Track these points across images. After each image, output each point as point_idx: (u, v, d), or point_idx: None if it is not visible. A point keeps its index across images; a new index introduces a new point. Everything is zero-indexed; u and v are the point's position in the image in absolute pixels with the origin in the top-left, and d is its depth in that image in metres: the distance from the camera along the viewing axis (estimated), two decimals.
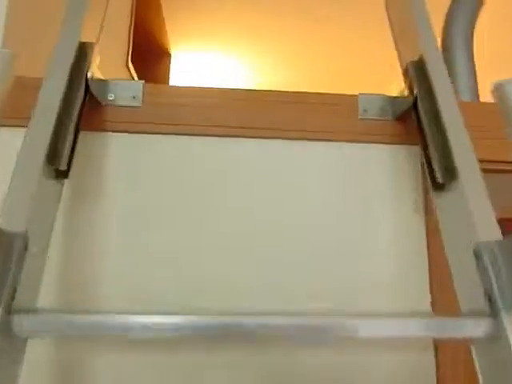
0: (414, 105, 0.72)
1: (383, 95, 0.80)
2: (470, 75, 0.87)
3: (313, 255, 0.74)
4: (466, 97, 0.89)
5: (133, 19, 2.45)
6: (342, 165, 0.78)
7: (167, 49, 4.13)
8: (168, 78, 4.31)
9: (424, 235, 0.77)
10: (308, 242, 0.75)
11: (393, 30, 0.81)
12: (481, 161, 0.64)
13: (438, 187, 0.64)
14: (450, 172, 0.62)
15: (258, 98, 0.78)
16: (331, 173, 0.78)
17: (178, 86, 0.79)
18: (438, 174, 0.64)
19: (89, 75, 0.68)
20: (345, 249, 0.75)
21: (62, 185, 0.61)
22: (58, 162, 0.58)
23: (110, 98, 0.74)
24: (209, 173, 0.76)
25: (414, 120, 0.75)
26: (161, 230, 0.73)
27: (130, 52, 2.37)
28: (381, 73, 5.18)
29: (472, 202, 0.58)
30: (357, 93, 0.80)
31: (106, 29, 0.86)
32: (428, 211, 0.78)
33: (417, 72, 0.74)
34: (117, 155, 0.75)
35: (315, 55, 4.47)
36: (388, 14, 0.83)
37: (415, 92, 0.72)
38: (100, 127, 0.75)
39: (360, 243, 0.75)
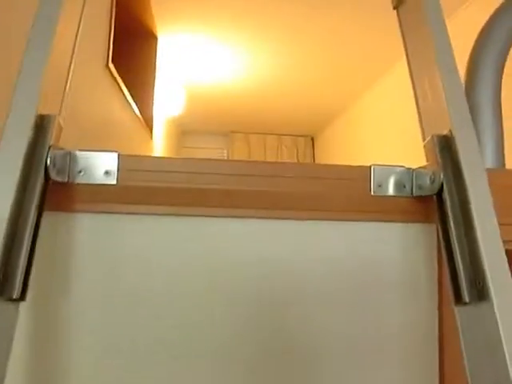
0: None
1: (400, 167, 0.70)
2: (496, 136, 0.76)
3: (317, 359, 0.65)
4: (488, 160, 0.79)
5: (113, 13, 2.28)
6: (352, 249, 0.68)
7: (153, 32, 3.93)
8: (155, 61, 4.12)
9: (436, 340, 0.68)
10: (312, 344, 0.65)
11: (416, 94, 0.69)
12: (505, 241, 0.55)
13: (463, 303, 0.55)
14: (479, 292, 0.53)
15: (256, 171, 0.66)
16: (340, 257, 0.68)
17: (162, 158, 0.67)
18: (464, 292, 0.54)
19: (50, 154, 0.56)
20: (353, 356, 0.65)
21: (18, 307, 0.50)
22: (11, 291, 0.47)
23: (80, 175, 0.62)
24: (201, 259, 0.65)
25: (434, 200, 0.65)
26: (144, 327, 0.63)
27: (111, 53, 2.20)
28: (376, 61, 5.04)
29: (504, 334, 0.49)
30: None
31: (84, 29, 0.74)
32: (443, 304, 0.69)
33: (443, 148, 0.63)
34: (88, 240, 0.64)
35: (309, 42, 4.31)
36: (412, 81, 0.71)
37: (441, 174, 0.62)
38: (68, 208, 0.63)
39: (369, 347, 0.66)
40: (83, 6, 0.75)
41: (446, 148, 0.62)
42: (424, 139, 0.68)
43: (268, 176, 0.66)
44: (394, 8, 0.83)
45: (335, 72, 5.26)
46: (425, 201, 0.69)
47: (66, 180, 0.61)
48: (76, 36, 0.72)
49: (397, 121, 5.07)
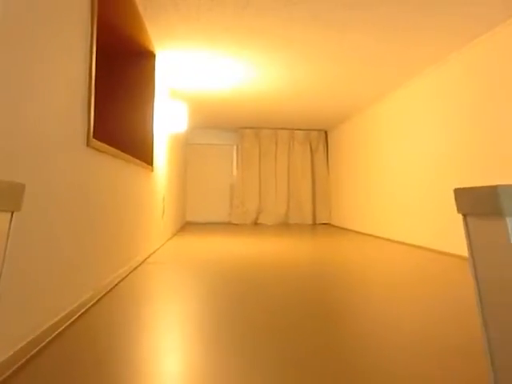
0: None
1: None
2: None
3: None
4: None
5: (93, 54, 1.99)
6: None
7: (150, 49, 3.63)
8: (153, 77, 3.82)
9: None
10: None
11: None
12: None
13: None
14: None
15: None
16: None
17: None
18: None
19: None
20: None
21: None
22: None
23: None
24: None
25: None
26: None
27: (92, 130, 1.93)
28: (379, 75, 4.66)
29: None
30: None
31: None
32: None
33: None
34: None
35: (317, 57, 3.97)
36: None
37: None
38: None
39: None
40: None
41: None
42: None
43: None
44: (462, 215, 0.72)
45: (348, 78, 4.89)
46: None
47: None
48: None
49: (412, 124, 4.75)
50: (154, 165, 4.05)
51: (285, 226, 8.05)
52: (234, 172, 8.58)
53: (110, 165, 2.43)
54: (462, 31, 3.46)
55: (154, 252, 4.08)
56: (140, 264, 3.32)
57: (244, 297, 2.29)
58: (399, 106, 5.26)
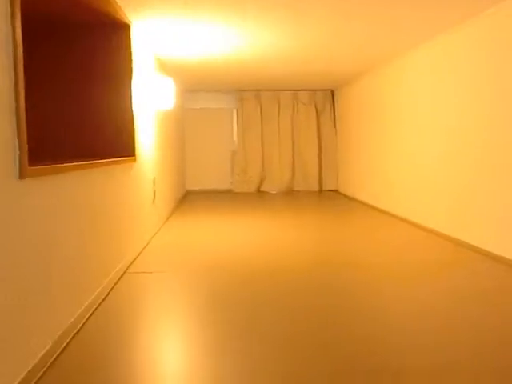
0: None
1: None
2: None
3: None
4: None
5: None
6: None
7: (123, 20, 3.01)
8: (130, 51, 3.25)
9: None
10: None
11: None
12: None
13: None
14: None
15: None
16: None
17: None
18: None
19: None
20: None
21: None
22: None
23: None
24: None
25: None
26: None
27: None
28: (394, 33, 4.01)
29: None
30: None
31: None
32: None
33: None
34: None
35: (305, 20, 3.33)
36: None
37: None
38: None
39: None
40: None
41: None
42: None
43: None
44: None
45: (358, 36, 4.26)
46: None
47: None
48: None
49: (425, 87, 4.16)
50: (138, 152, 3.54)
51: (290, 194, 7.60)
52: (235, 137, 8.03)
53: (65, 184, 1.95)
54: None
55: (146, 247, 3.66)
56: (123, 274, 2.91)
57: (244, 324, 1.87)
58: (420, 67, 4.63)
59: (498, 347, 1.82)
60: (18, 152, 1.49)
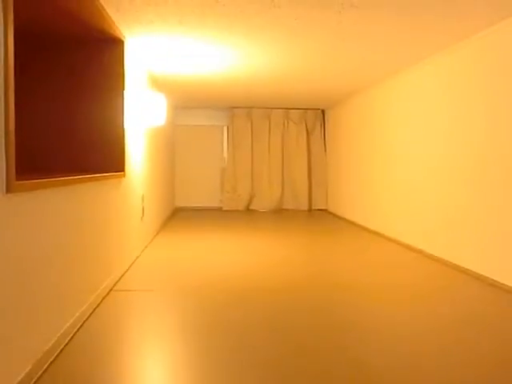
0: None
1: None
2: None
3: None
4: None
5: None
6: None
7: (116, 35, 3.01)
8: (122, 66, 3.24)
9: None
10: None
11: None
12: None
13: None
14: None
15: None
16: None
17: None
18: None
19: None
20: None
21: None
22: None
23: None
24: None
25: None
26: None
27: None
28: (387, 55, 4.06)
29: None
30: None
31: None
32: None
33: None
34: None
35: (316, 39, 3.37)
36: None
37: None
38: None
39: None
40: None
41: None
42: None
43: None
44: None
45: (350, 58, 4.31)
46: None
47: None
48: None
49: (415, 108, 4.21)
50: (128, 168, 3.50)
51: (279, 213, 7.57)
52: (225, 154, 8.02)
53: (53, 199, 1.91)
54: (479, 16, 2.86)
55: (133, 263, 3.60)
56: (109, 292, 2.84)
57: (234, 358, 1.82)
58: (412, 88, 4.69)
59: (492, 370, 1.79)
60: (4, 165, 1.45)
